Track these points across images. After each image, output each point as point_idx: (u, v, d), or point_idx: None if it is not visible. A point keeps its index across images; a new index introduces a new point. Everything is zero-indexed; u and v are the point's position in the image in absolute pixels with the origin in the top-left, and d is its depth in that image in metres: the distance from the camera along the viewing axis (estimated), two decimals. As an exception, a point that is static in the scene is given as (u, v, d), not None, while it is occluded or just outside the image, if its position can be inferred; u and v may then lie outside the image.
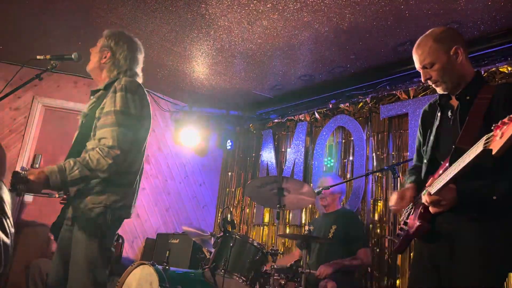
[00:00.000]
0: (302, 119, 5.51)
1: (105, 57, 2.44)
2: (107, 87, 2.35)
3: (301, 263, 3.22)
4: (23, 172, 1.97)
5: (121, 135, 2.16)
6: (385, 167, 4.00)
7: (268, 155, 5.79)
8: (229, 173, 6.40)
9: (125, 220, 2.35)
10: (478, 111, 1.86)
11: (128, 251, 5.45)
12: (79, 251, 2.13)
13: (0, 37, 4.69)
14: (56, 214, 2.30)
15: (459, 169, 1.64)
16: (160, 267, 3.47)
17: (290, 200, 3.55)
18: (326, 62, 4.52)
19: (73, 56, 2.46)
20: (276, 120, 5.87)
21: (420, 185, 2.08)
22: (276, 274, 3.22)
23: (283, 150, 5.74)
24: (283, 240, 5.22)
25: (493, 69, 3.81)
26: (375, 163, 4.56)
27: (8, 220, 2.21)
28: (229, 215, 3.32)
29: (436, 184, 1.79)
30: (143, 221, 5.63)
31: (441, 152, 2.00)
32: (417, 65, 2.07)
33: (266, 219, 5.58)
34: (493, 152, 1.41)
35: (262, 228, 5.59)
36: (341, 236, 3.84)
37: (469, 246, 1.77)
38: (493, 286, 1.73)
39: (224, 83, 5.29)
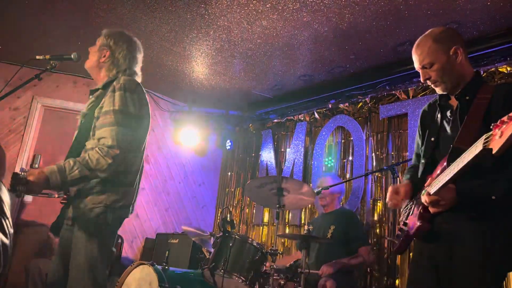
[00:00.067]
0: (302, 119, 5.51)
1: (104, 56, 2.43)
2: (105, 87, 2.35)
3: (301, 263, 3.22)
4: (22, 173, 1.97)
5: (120, 135, 2.16)
6: (385, 167, 4.00)
7: (267, 155, 5.79)
8: (229, 173, 6.40)
9: (125, 220, 2.35)
10: (477, 111, 1.86)
11: (128, 251, 5.45)
12: (79, 251, 2.13)
13: (0, 37, 4.69)
14: (55, 214, 2.30)
15: (458, 169, 1.64)
16: (159, 267, 3.47)
17: (289, 200, 3.54)
18: (325, 62, 4.52)
19: (72, 56, 2.46)
20: (275, 120, 5.87)
21: (416, 184, 2.08)
22: (275, 274, 3.22)
23: (282, 150, 5.74)
24: (282, 240, 5.22)
25: (493, 69, 3.81)
26: (374, 163, 4.56)
27: (7, 221, 2.21)
28: (228, 215, 3.32)
29: (435, 184, 1.79)
30: (142, 221, 5.63)
31: (440, 152, 2.00)
32: (417, 65, 2.08)
33: (266, 219, 5.58)
34: (493, 152, 1.41)
35: (261, 228, 5.59)
36: (340, 236, 3.84)
37: (468, 246, 1.77)
38: (492, 286, 1.73)
39: (224, 83, 5.29)
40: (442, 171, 1.80)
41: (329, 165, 5.02)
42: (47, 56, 2.45)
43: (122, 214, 2.28)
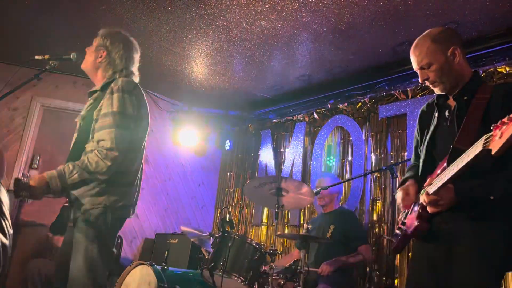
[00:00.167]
0: (301, 119, 5.52)
1: (101, 57, 2.43)
2: (103, 88, 2.35)
3: (300, 263, 3.22)
4: (24, 179, 1.98)
5: (119, 137, 2.16)
6: (384, 167, 4.01)
7: (267, 155, 5.79)
8: (228, 173, 6.40)
9: (124, 220, 2.35)
10: (476, 111, 1.86)
11: (127, 251, 5.45)
12: (79, 251, 2.13)
13: (-1, 37, 4.70)
14: (55, 214, 2.30)
15: (458, 169, 1.65)
16: (158, 267, 3.48)
17: (288, 200, 3.55)
18: (324, 62, 4.53)
19: (71, 56, 2.46)
20: (274, 120, 5.88)
21: (418, 182, 2.08)
22: (274, 274, 3.22)
23: (281, 150, 5.74)
24: (281, 240, 5.22)
25: (491, 69, 3.82)
26: (373, 163, 4.57)
27: (6, 221, 2.21)
28: (227, 215, 3.33)
29: (435, 184, 1.80)
30: (141, 221, 5.63)
31: (439, 152, 2.00)
32: (415, 66, 2.08)
33: (265, 219, 5.59)
34: (493, 152, 1.42)
35: (260, 228, 5.59)
36: (340, 236, 3.84)
37: (466, 246, 1.77)
38: (491, 285, 1.74)
39: (223, 83, 5.29)
40: (441, 171, 1.80)
41: (330, 164, 5.02)
42: (46, 56, 2.45)
43: (123, 215, 2.28)
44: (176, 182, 6.05)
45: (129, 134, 2.23)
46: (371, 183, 4.51)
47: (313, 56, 4.43)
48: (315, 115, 5.33)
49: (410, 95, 4.39)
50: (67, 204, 2.28)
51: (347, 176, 4.77)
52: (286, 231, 5.20)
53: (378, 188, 4.44)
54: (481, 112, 1.85)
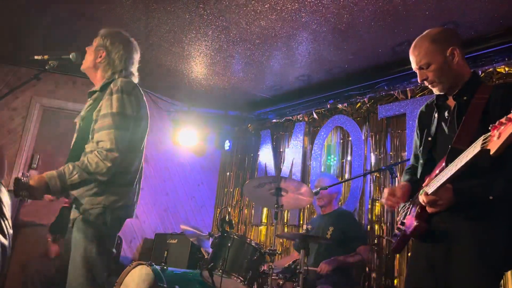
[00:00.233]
0: (300, 119, 5.52)
1: (100, 57, 2.43)
2: (103, 89, 2.35)
3: (299, 263, 3.22)
4: (24, 179, 1.99)
5: (118, 138, 2.17)
6: (383, 167, 4.01)
7: (266, 155, 5.79)
8: (228, 173, 6.41)
9: (123, 220, 2.35)
10: (475, 111, 1.87)
11: (126, 251, 5.45)
12: (78, 251, 2.13)
13: (-2, 37, 4.70)
14: (54, 215, 2.31)
15: (456, 169, 1.65)
16: (158, 267, 3.48)
17: (288, 200, 3.55)
18: (324, 62, 4.53)
19: (71, 57, 2.46)
20: (274, 120, 5.88)
21: (414, 185, 2.09)
22: (274, 274, 3.22)
23: (281, 150, 5.74)
24: (281, 240, 5.22)
25: (490, 69, 3.82)
26: (373, 163, 4.57)
27: (6, 222, 2.21)
28: (227, 215, 3.33)
29: (433, 184, 1.80)
30: (141, 221, 5.63)
31: (438, 152, 2.01)
32: (414, 66, 2.08)
33: (264, 219, 5.59)
34: (491, 152, 1.42)
35: (260, 228, 5.59)
36: (339, 237, 3.84)
37: (465, 246, 1.77)
38: (489, 285, 1.74)
39: (223, 83, 5.29)
40: (440, 171, 1.80)
41: (330, 164, 5.02)
42: (46, 57, 2.45)
43: (122, 215, 2.28)
44: (175, 182, 6.05)
45: (128, 134, 2.23)
46: (370, 183, 4.51)
47: (312, 56, 4.43)
48: (315, 115, 5.33)
49: (409, 95, 4.40)
50: (67, 205, 2.28)
51: (346, 176, 4.77)
52: (286, 231, 5.20)
53: (377, 188, 4.44)
54: (480, 112, 1.85)
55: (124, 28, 2.60)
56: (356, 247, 3.83)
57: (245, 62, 4.70)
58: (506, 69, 3.75)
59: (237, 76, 5.07)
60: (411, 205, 2.04)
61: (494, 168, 1.73)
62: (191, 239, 4.03)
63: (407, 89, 4.41)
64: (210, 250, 3.32)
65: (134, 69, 2.51)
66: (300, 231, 4.70)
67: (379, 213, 4.36)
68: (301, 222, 5.07)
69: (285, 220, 5.27)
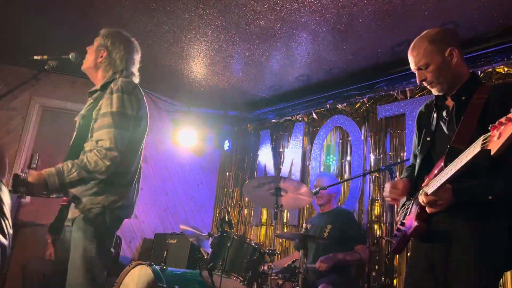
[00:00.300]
0: (300, 119, 5.52)
1: (101, 57, 2.44)
2: (103, 88, 2.35)
3: (299, 263, 3.23)
4: (23, 175, 1.98)
5: (118, 137, 2.17)
6: (382, 167, 4.02)
7: (265, 155, 5.79)
8: (227, 173, 6.41)
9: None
10: (474, 111, 1.87)
11: (126, 251, 5.45)
12: (78, 251, 2.13)
13: (-2, 37, 4.69)
14: (53, 215, 2.31)
15: (456, 169, 1.65)
16: (157, 267, 3.48)
17: (287, 200, 3.55)
18: (323, 62, 4.53)
19: (70, 57, 2.46)
20: (273, 120, 5.88)
21: (413, 183, 2.09)
22: (273, 274, 3.23)
23: (280, 150, 5.75)
24: (280, 240, 5.22)
25: (490, 69, 3.82)
26: (372, 163, 4.57)
27: (6, 221, 2.21)
28: (226, 215, 3.33)
29: (433, 184, 1.80)
30: (140, 221, 5.63)
31: (437, 152, 2.01)
32: (413, 67, 2.09)
33: (264, 219, 5.59)
34: (492, 153, 1.42)
35: (259, 228, 5.59)
36: (337, 235, 3.85)
37: (464, 246, 1.78)
38: (488, 285, 1.74)
39: (222, 83, 5.29)
40: (439, 171, 1.80)
41: (330, 164, 5.02)
42: (45, 57, 2.45)
43: (121, 215, 2.28)
44: (175, 182, 6.05)
45: (128, 134, 2.24)
46: (370, 183, 4.51)
47: (312, 56, 4.43)
48: (314, 115, 5.34)
49: (408, 95, 4.40)
50: (65, 203, 2.28)
51: (346, 176, 4.78)
52: (285, 231, 5.20)
53: (377, 188, 4.44)
54: (479, 112, 1.86)
55: (124, 28, 2.60)
56: (354, 246, 3.84)
57: (245, 62, 4.70)
58: (505, 69, 3.75)
59: (237, 76, 5.07)
60: (411, 205, 2.04)
61: (493, 168, 1.73)
62: (190, 239, 4.03)
63: (407, 89, 4.42)
64: (210, 250, 3.32)
65: (135, 69, 2.52)
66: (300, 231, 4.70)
67: (378, 213, 4.36)
68: (301, 222, 5.07)
69: (285, 220, 5.28)
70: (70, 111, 5.35)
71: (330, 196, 4.15)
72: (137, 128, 2.33)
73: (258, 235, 5.58)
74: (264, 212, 5.60)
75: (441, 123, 2.05)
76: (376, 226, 4.33)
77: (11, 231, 2.20)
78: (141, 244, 5.57)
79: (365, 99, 4.76)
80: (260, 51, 4.40)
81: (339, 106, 5.04)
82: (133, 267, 3.58)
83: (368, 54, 4.28)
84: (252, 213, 5.76)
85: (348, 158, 4.84)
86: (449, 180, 1.70)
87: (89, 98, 2.42)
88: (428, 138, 2.08)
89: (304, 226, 3.37)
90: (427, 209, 1.86)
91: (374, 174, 4.46)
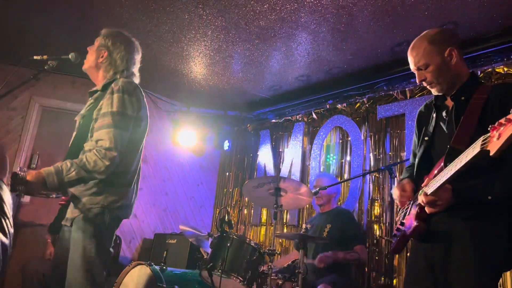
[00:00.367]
0: (300, 119, 5.52)
1: (102, 57, 2.44)
2: (104, 88, 2.36)
3: (298, 263, 3.23)
4: (21, 173, 1.98)
5: (118, 137, 2.17)
6: (382, 167, 4.02)
7: (265, 156, 5.79)
8: (227, 173, 6.41)
9: (123, 220, 2.35)
10: (473, 111, 1.87)
11: (126, 251, 5.45)
12: (77, 251, 2.13)
13: (-3, 37, 4.69)
14: (53, 215, 2.30)
15: (456, 169, 1.65)
16: (157, 267, 3.48)
17: (287, 200, 3.55)
18: (323, 62, 4.53)
19: (70, 57, 2.47)
20: (273, 121, 5.88)
21: (414, 181, 2.09)
22: (273, 274, 3.23)
23: (280, 150, 5.75)
24: (280, 240, 5.23)
25: (489, 69, 3.82)
26: (372, 163, 4.57)
27: (7, 221, 2.21)
28: (226, 215, 3.33)
29: (432, 184, 1.80)
30: (140, 221, 5.63)
31: (436, 152, 2.02)
32: (412, 67, 2.09)
33: (264, 219, 5.59)
34: (491, 153, 1.42)
35: (259, 228, 5.60)
36: (336, 235, 3.85)
37: (464, 246, 1.78)
38: (488, 285, 1.74)
39: (222, 83, 5.29)
40: (439, 172, 1.81)
41: (329, 164, 5.02)
42: (45, 57, 2.46)
43: (120, 215, 2.28)
44: (175, 182, 6.05)
45: (128, 134, 2.24)
46: (369, 183, 4.52)
47: (311, 57, 4.43)
48: (314, 115, 5.34)
49: (408, 95, 4.40)
50: (63, 202, 2.28)
51: (345, 176, 4.78)
52: (285, 231, 5.21)
53: (376, 188, 4.45)
54: (478, 113, 1.86)
55: (124, 28, 2.60)
56: (353, 246, 3.84)
57: (244, 62, 4.70)
58: (505, 69, 3.75)
59: (237, 76, 5.07)
60: (410, 205, 2.04)
61: (493, 169, 1.74)
62: (190, 239, 4.03)
63: (406, 89, 4.42)
64: (209, 250, 3.32)
65: (136, 69, 2.52)
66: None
67: (378, 213, 4.36)
68: (300, 222, 5.07)
69: (285, 220, 5.28)
70: (70, 111, 5.35)
71: (329, 196, 4.15)
72: (137, 129, 2.33)
73: (257, 235, 5.58)
74: (264, 212, 5.61)
75: (441, 123, 2.05)
76: (375, 226, 4.33)
77: (12, 230, 2.20)
78: (140, 244, 5.57)
79: (365, 99, 4.77)
80: (260, 51, 4.41)
81: (339, 106, 5.04)
82: (133, 267, 3.58)
83: (368, 54, 4.28)
84: (252, 213, 5.76)
85: (348, 158, 4.84)
86: (449, 180, 1.70)
87: (90, 98, 2.43)
88: (427, 138, 2.09)
89: (303, 226, 3.37)
90: (427, 209, 1.86)
91: (374, 174, 4.46)
